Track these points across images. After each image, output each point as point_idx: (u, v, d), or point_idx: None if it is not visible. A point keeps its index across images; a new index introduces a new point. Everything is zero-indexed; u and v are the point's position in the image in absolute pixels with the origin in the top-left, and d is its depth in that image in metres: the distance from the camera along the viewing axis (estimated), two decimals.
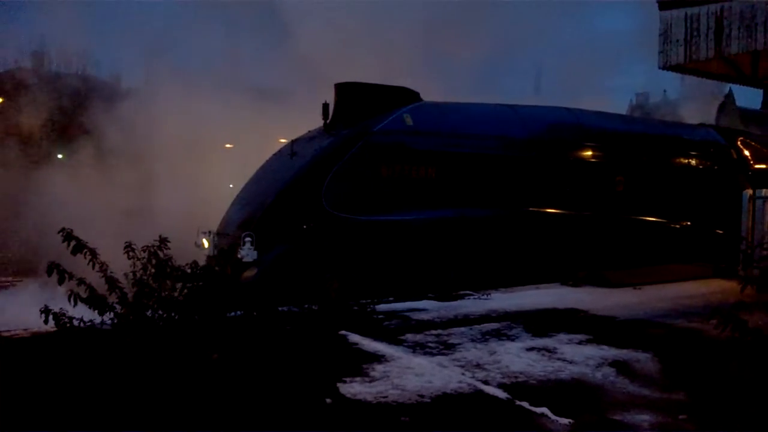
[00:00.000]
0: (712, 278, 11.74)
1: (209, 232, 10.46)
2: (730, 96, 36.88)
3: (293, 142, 11.37)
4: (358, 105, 11.15)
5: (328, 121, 11.14)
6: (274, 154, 11.88)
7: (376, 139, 10.72)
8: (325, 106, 11.14)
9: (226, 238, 10.03)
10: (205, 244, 10.30)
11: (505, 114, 12.63)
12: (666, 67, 10.11)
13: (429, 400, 5.18)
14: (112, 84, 30.11)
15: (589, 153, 12.98)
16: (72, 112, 21.17)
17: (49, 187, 15.86)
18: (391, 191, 10.65)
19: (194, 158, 15.83)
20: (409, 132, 11.01)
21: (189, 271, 5.77)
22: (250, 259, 9.21)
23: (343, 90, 11.46)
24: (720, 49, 9.30)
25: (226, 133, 17.27)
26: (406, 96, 11.62)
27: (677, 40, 9.72)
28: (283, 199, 10.24)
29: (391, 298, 9.54)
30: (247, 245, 9.24)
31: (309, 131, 11.75)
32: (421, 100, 11.89)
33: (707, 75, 12.56)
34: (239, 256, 9.10)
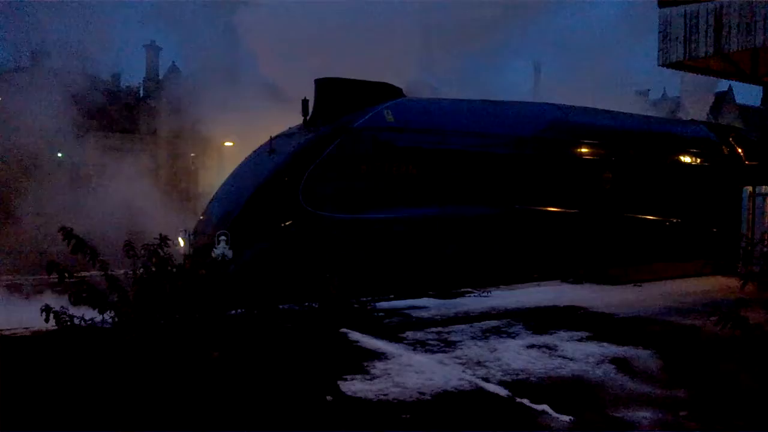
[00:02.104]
0: (711, 275, 11.75)
1: (185, 230, 10.32)
2: (729, 93, 36.86)
3: (273, 139, 11.18)
4: (339, 101, 10.99)
5: (308, 118, 10.99)
6: (254, 152, 11.73)
7: (355, 135, 10.54)
8: (305, 102, 10.98)
9: (203, 237, 9.90)
10: (181, 243, 10.13)
11: (490, 110, 12.49)
12: (665, 64, 10.12)
13: (430, 398, 5.18)
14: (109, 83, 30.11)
15: (578, 150, 12.85)
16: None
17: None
18: (372, 189, 10.47)
19: None
20: (389, 128, 10.85)
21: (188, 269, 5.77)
22: (226, 258, 8.99)
23: (324, 86, 11.28)
24: (719, 46, 9.31)
25: None
26: (388, 92, 11.46)
27: (677, 38, 9.73)
28: (260, 197, 10.08)
29: (391, 296, 9.53)
30: (222, 244, 9.06)
31: (290, 128, 11.59)
32: (403, 96, 11.73)
33: (707, 72, 12.57)
34: (214, 255, 8.77)
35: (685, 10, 9.61)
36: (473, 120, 12.02)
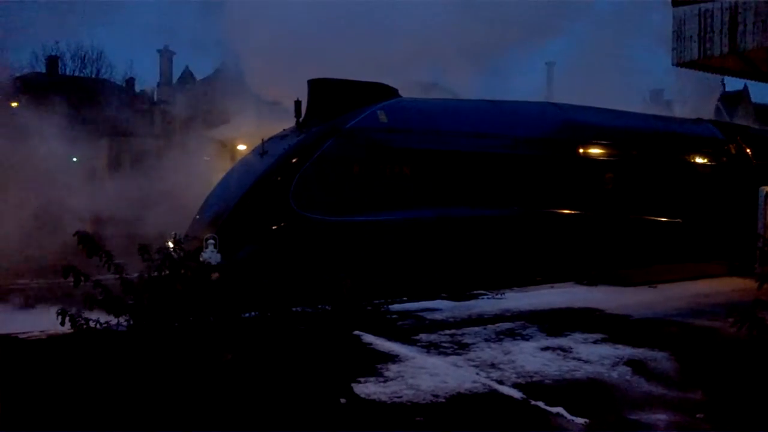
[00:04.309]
0: (727, 276, 11.63)
1: (176, 233, 10.25)
2: (745, 91, 36.54)
3: (265, 141, 11.02)
4: (332, 102, 10.81)
5: (301, 119, 10.87)
6: (247, 154, 11.58)
7: (346, 137, 10.34)
8: (298, 103, 10.85)
9: (194, 241, 9.82)
10: (171, 246, 10.02)
11: (487, 110, 12.26)
12: (680, 63, 10.01)
13: (443, 400, 5.17)
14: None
15: (582, 150, 12.58)
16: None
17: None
18: (364, 191, 10.25)
19: None
20: (383, 129, 10.64)
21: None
22: (213, 262, 8.68)
23: (317, 86, 11.12)
24: (735, 45, 9.21)
25: None
26: (383, 92, 11.27)
27: (691, 37, 9.63)
28: (249, 200, 9.94)
29: (404, 298, 9.50)
30: (210, 248, 8.91)
31: (283, 129, 11.45)
32: (398, 96, 11.55)
33: (722, 71, 12.43)
34: (201, 258, 8.54)
35: (699, 9, 9.52)
36: (471, 120, 11.77)
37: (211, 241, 8.96)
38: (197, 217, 11.03)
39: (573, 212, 12.23)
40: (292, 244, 9.57)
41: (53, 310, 5.35)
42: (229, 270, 8.51)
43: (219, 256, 8.87)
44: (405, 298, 9.50)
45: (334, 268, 9.13)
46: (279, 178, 9.97)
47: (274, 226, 9.74)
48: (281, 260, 9.26)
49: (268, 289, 8.05)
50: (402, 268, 10.18)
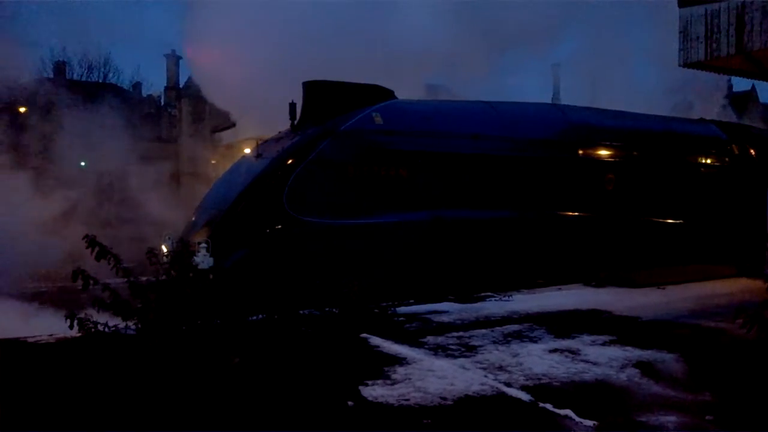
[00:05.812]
0: (736, 277, 11.58)
1: (168, 237, 10.04)
2: (753, 92, 36.38)
3: (260, 144, 10.98)
4: (327, 104, 10.77)
5: (296, 122, 10.87)
6: (242, 157, 11.55)
7: (341, 139, 10.27)
8: (292, 105, 10.82)
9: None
10: (165, 249, 9.77)
11: (484, 111, 12.17)
12: (686, 64, 9.98)
13: (451, 403, 5.16)
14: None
15: (583, 151, 12.46)
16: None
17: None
18: (360, 193, 10.19)
19: None
20: (378, 131, 10.56)
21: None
22: (206, 266, 8.40)
23: (311, 89, 11.10)
24: (742, 45, 9.17)
25: None
26: (378, 94, 11.21)
27: (697, 37, 9.60)
28: (243, 202, 9.88)
29: (411, 300, 9.49)
30: (203, 251, 8.74)
31: (279, 132, 11.43)
32: (394, 98, 11.49)
33: (729, 72, 12.37)
34: (194, 263, 8.45)
35: (705, 9, 9.49)
36: (468, 122, 11.67)
37: (203, 245, 8.92)
38: (192, 219, 10.99)
39: (576, 214, 12.14)
40: (286, 248, 9.50)
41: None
42: (222, 274, 8.50)
43: (211, 260, 8.84)
44: (412, 301, 9.49)
45: (328, 272, 9.02)
46: (273, 181, 9.91)
47: (267, 229, 9.68)
48: (275, 264, 9.18)
49: (263, 293, 8.05)
50: (399, 271, 10.13)
